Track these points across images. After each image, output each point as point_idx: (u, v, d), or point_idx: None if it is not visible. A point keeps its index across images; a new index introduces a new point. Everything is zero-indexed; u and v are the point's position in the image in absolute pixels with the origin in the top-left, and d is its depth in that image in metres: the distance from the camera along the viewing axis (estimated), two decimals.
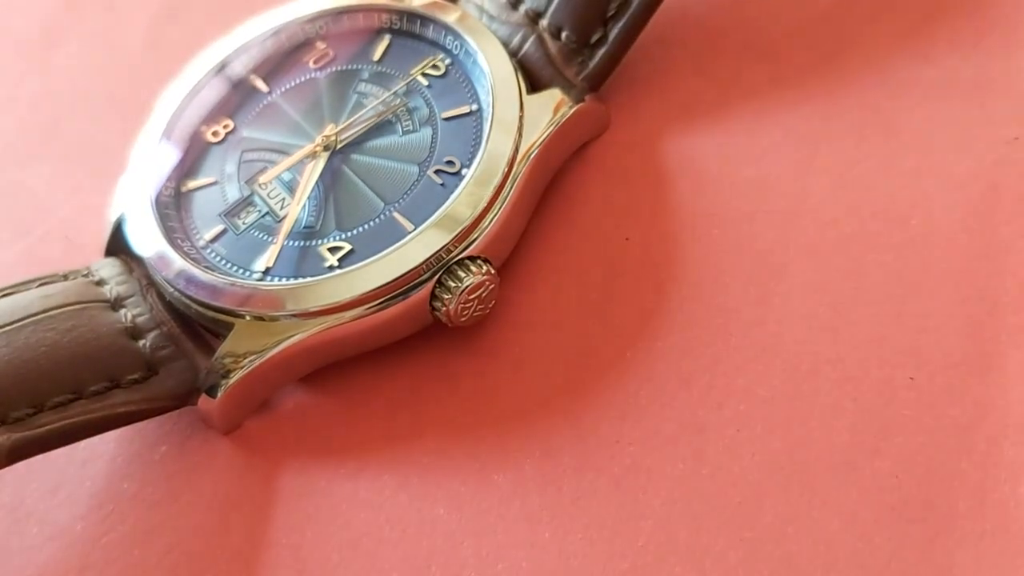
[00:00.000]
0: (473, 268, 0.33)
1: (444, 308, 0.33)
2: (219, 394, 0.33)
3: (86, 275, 0.36)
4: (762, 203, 0.35)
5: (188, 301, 0.34)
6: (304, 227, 0.35)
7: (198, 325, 0.35)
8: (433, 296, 0.33)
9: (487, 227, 0.33)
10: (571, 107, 0.36)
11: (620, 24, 0.37)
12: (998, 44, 0.36)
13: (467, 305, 0.33)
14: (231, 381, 0.33)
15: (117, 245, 0.37)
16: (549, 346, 0.34)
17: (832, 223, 0.34)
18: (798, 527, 0.29)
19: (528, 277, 0.35)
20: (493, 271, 0.33)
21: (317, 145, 0.36)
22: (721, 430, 0.31)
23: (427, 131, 0.36)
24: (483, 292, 0.33)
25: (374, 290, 0.32)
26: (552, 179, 0.36)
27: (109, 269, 0.36)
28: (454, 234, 0.33)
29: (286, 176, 0.36)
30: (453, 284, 0.33)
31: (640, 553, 0.30)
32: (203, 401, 0.34)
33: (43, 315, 0.34)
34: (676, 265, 0.34)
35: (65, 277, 0.36)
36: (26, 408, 0.32)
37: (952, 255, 0.32)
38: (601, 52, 0.37)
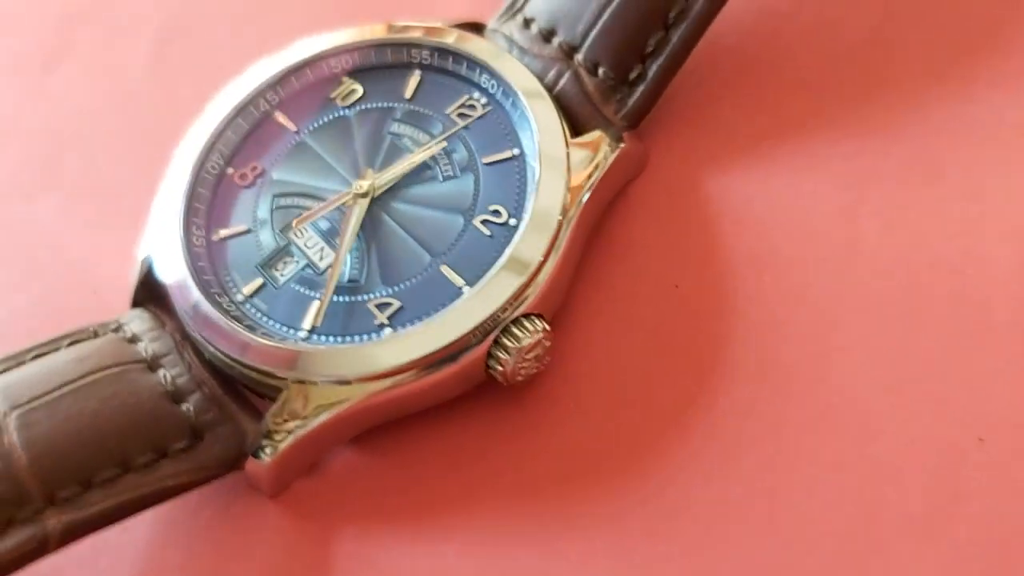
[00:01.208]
0: (529, 326, 0.32)
1: (501, 369, 0.32)
2: (269, 459, 0.32)
3: (116, 330, 0.35)
4: (811, 249, 0.34)
5: (231, 362, 0.33)
6: (348, 281, 0.34)
7: (240, 384, 0.34)
8: (489, 356, 0.32)
9: (541, 282, 0.33)
10: (615, 149, 0.35)
11: (659, 61, 0.36)
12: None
13: (524, 364, 0.32)
14: (281, 446, 0.32)
15: (145, 295, 0.36)
16: (606, 400, 0.33)
17: (885, 274, 0.33)
18: None
19: (578, 327, 0.34)
20: (548, 327, 0.33)
21: (355, 192, 0.35)
22: (791, 495, 0.31)
23: (469, 177, 0.35)
24: (540, 351, 0.32)
25: (430, 354, 0.32)
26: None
27: (140, 323, 0.35)
28: (511, 293, 0.32)
29: (322, 224, 0.35)
30: (511, 344, 0.32)
31: None
32: (251, 465, 0.33)
33: (81, 382, 0.32)
34: (729, 315, 0.34)
35: (95, 334, 0.35)
36: (74, 486, 0.31)
37: (1012, 308, 0.32)
38: (640, 89, 0.36)
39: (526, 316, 0.32)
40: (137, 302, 0.36)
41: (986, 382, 0.31)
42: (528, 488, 0.33)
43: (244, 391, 0.34)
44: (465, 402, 0.34)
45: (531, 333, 0.32)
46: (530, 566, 0.31)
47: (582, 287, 0.35)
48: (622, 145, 0.35)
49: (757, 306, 0.34)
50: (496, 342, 0.32)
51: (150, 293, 0.36)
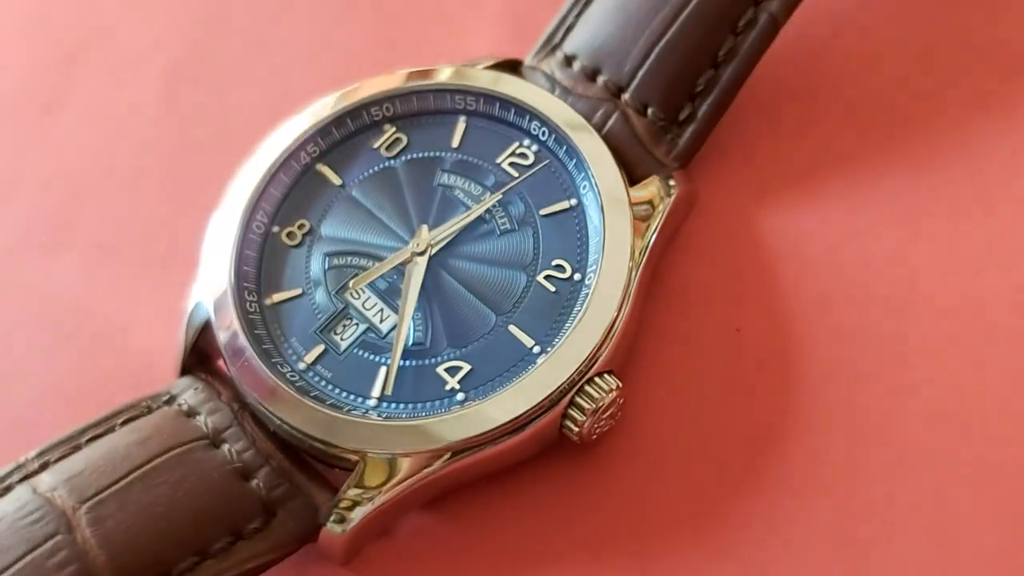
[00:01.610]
0: (603, 385, 0.32)
1: (577, 430, 0.32)
2: (346, 532, 0.32)
3: (168, 401, 0.34)
4: (870, 288, 0.35)
5: (301, 436, 0.32)
6: (413, 344, 0.33)
7: (306, 454, 0.33)
8: (564, 417, 0.32)
9: (613, 337, 0.32)
10: (671, 192, 0.35)
11: (709, 100, 0.36)
12: None
13: (600, 423, 0.32)
14: (358, 518, 0.32)
15: (193, 361, 0.35)
16: (676, 452, 0.33)
17: (947, 312, 0.34)
18: None
19: (643, 378, 0.34)
20: (620, 384, 0.32)
21: (412, 251, 0.34)
22: (874, 541, 0.31)
23: (527, 231, 0.34)
24: (614, 408, 0.32)
25: (507, 423, 0.31)
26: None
27: (194, 395, 0.34)
28: (587, 354, 0.32)
29: (379, 283, 0.34)
30: (587, 406, 0.32)
31: None
32: (326, 536, 0.32)
33: (147, 467, 0.31)
34: (794, 358, 0.34)
35: (149, 408, 0.34)
36: None
37: None
38: (691, 129, 0.36)
39: (599, 374, 0.32)
40: (185, 369, 0.35)
41: None
42: (603, 549, 0.33)
43: (310, 460, 0.33)
44: (533, 459, 0.34)
45: (606, 392, 0.32)
46: None
47: (643, 335, 0.35)
48: (677, 188, 0.35)
49: (821, 348, 0.34)
50: (571, 403, 0.32)
51: (198, 358, 0.35)
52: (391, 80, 0.37)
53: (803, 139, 0.37)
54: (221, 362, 0.35)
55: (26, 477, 0.32)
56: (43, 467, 0.32)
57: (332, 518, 0.32)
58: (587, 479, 0.33)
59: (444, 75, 0.36)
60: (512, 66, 0.38)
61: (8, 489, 0.31)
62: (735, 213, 0.37)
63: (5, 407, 0.38)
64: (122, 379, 0.37)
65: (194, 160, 0.42)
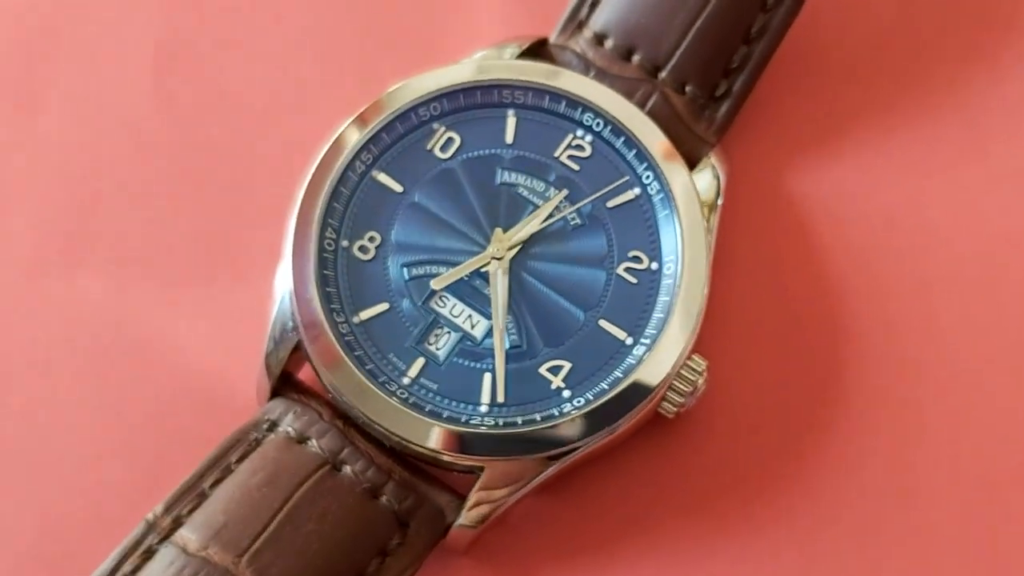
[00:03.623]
0: (695, 367, 0.35)
1: (675, 410, 0.35)
2: (475, 530, 0.34)
3: (270, 428, 0.34)
4: (893, 238, 0.38)
5: (422, 450, 0.34)
6: (511, 348, 0.35)
7: (422, 462, 0.35)
8: (664, 400, 0.35)
9: (700, 322, 0.35)
10: (723, 172, 0.37)
11: (743, 76, 0.38)
12: None
13: (693, 402, 0.35)
14: (485, 519, 0.34)
15: (280, 383, 0.35)
16: (747, 416, 0.37)
17: (963, 257, 0.38)
18: None
19: (713, 352, 0.37)
20: (707, 363, 0.35)
21: (492, 255, 0.35)
22: (925, 497, 0.36)
23: (597, 224, 0.36)
24: (704, 387, 0.35)
25: (620, 419, 0.34)
26: None
27: (295, 418, 0.34)
28: (684, 344, 0.34)
29: (461, 289, 0.35)
30: (685, 388, 0.34)
31: None
32: (454, 535, 0.34)
33: (289, 507, 0.32)
34: (838, 314, 0.37)
35: (257, 441, 0.34)
36: None
37: None
38: (727, 105, 0.38)
39: (690, 357, 0.35)
40: (274, 392, 0.35)
41: None
42: (693, 507, 0.36)
43: (425, 467, 0.35)
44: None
45: (699, 373, 0.35)
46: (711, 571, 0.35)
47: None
48: (723, 165, 0.37)
49: (862, 301, 0.38)
50: (671, 388, 0.35)
51: (283, 379, 0.35)
52: (433, 78, 0.36)
53: (812, 102, 0.40)
54: (301, 375, 0.36)
55: (166, 536, 0.32)
56: (176, 522, 0.32)
57: (461, 520, 0.34)
58: (675, 449, 0.36)
59: (487, 69, 0.37)
60: (540, 44, 0.38)
61: (151, 552, 0.32)
62: (764, 178, 0.39)
63: (72, 443, 0.37)
64: (191, 403, 0.37)
65: (200, 161, 0.40)
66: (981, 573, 0.36)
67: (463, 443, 0.33)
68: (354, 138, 0.36)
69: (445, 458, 0.34)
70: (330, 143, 0.36)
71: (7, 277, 0.39)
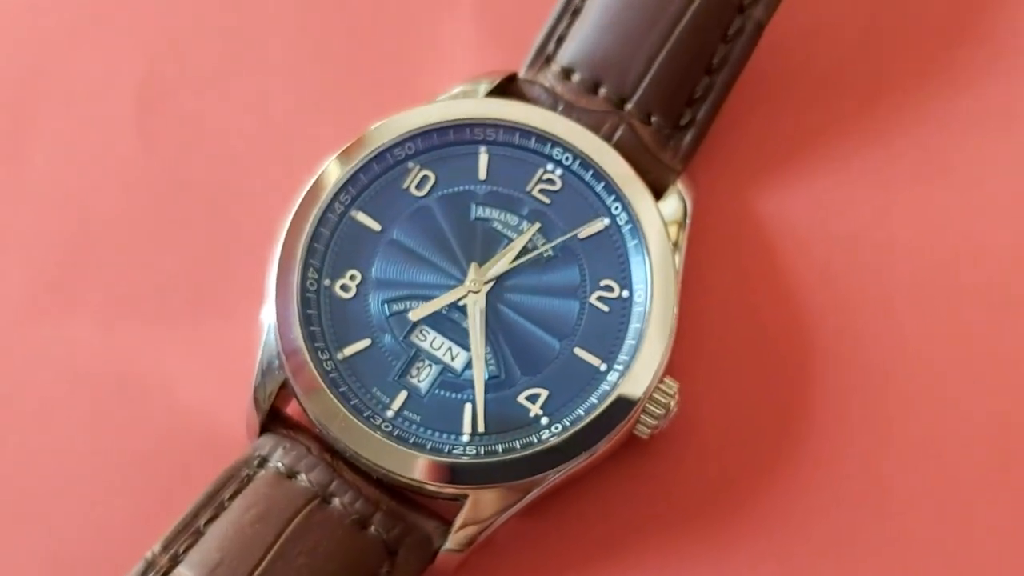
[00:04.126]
0: (667, 390, 0.36)
1: (649, 431, 0.36)
2: (462, 555, 0.35)
3: (260, 464, 0.36)
4: (859, 254, 0.40)
5: (407, 481, 0.35)
6: (489, 378, 0.36)
7: (408, 491, 0.36)
8: (638, 423, 0.36)
9: (671, 345, 0.36)
10: (689, 198, 0.38)
11: (706, 105, 0.39)
12: (1014, 68, 0.41)
13: (667, 424, 0.37)
14: (472, 543, 0.35)
15: (268, 419, 0.36)
16: (719, 434, 0.38)
17: (925, 268, 0.39)
18: None
19: (682, 372, 0.38)
20: (678, 385, 0.36)
21: (469, 289, 0.37)
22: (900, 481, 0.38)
23: (569, 255, 0.37)
24: (676, 409, 0.37)
25: (597, 444, 0.35)
26: None
27: (285, 454, 0.36)
28: (656, 367, 0.35)
29: (440, 323, 0.37)
30: (658, 411, 0.36)
31: None
32: (443, 560, 0.36)
33: (282, 541, 0.34)
34: (806, 329, 0.39)
35: (249, 478, 0.35)
36: None
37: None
38: (691, 134, 0.39)
39: (661, 380, 0.36)
40: (262, 428, 0.37)
41: None
42: (672, 523, 0.37)
43: (411, 495, 0.36)
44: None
45: (671, 395, 0.36)
46: None
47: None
48: (690, 191, 0.38)
49: (829, 316, 0.39)
50: (645, 411, 0.36)
51: (271, 416, 0.37)
52: (407, 119, 0.38)
53: (776, 121, 0.41)
54: (289, 411, 0.37)
55: (165, 574, 0.33)
56: (174, 560, 0.34)
57: (448, 545, 0.35)
58: (650, 469, 0.38)
59: (459, 108, 0.38)
60: (509, 81, 0.39)
61: None
62: (730, 201, 0.41)
63: (69, 484, 0.38)
64: (184, 441, 0.38)
65: (184, 201, 0.41)
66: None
67: (447, 473, 0.35)
68: (332, 179, 0.37)
69: (430, 488, 0.35)
70: (309, 185, 0.37)
71: None
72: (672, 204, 0.38)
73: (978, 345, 0.39)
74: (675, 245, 0.37)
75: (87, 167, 0.42)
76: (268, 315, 0.36)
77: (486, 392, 0.36)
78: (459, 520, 0.35)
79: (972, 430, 0.38)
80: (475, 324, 0.36)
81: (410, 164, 0.38)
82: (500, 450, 0.35)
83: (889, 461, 0.38)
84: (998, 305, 0.39)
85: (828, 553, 0.37)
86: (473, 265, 0.37)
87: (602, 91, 0.39)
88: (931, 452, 0.38)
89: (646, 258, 0.37)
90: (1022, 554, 0.37)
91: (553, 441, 0.35)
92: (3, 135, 0.42)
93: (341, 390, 0.36)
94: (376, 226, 0.37)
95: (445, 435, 0.36)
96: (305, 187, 0.37)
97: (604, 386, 0.36)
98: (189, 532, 0.34)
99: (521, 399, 0.36)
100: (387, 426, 0.36)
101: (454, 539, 0.35)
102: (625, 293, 0.37)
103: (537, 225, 0.37)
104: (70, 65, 0.42)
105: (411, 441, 0.35)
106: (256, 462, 0.36)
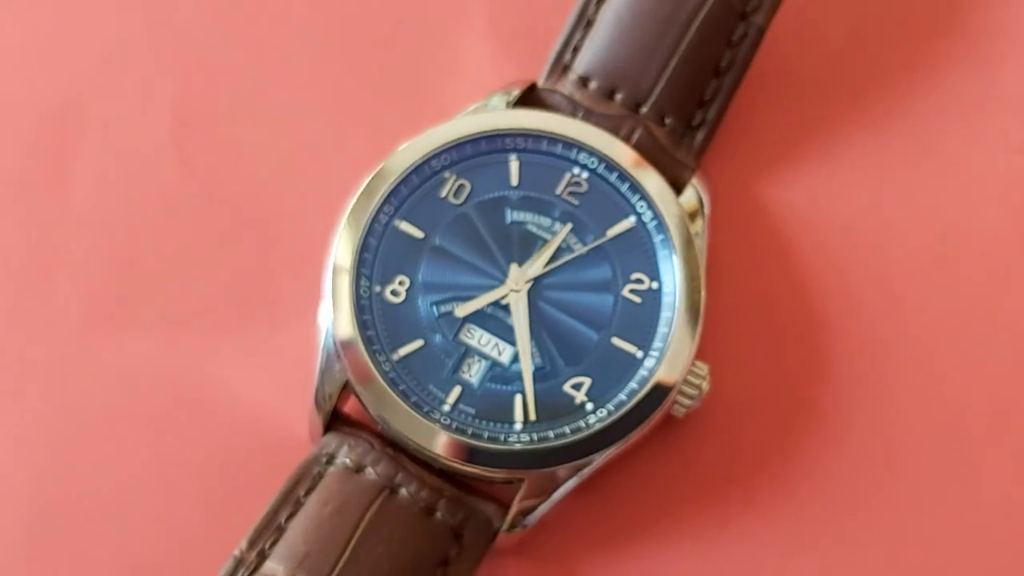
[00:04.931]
0: (699, 372, 0.39)
1: (685, 411, 0.39)
2: (521, 534, 0.38)
3: (328, 461, 0.38)
4: (856, 237, 0.43)
5: (469, 469, 0.38)
6: (536, 370, 0.39)
7: (468, 478, 0.39)
8: (674, 404, 0.39)
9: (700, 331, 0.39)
10: (706, 192, 0.41)
11: (716, 105, 0.42)
12: (991, 56, 0.45)
13: (701, 403, 0.40)
14: (529, 523, 0.38)
15: (337, 419, 0.39)
16: (743, 412, 0.41)
17: (920, 250, 0.43)
18: None
19: (708, 354, 0.41)
20: (708, 367, 0.40)
21: (511, 288, 0.39)
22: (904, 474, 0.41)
23: (601, 253, 0.40)
24: (708, 389, 0.40)
25: (640, 427, 0.38)
26: None
27: (350, 450, 0.38)
28: (688, 353, 0.39)
29: (486, 321, 0.39)
30: (693, 392, 0.39)
31: None
32: (503, 540, 0.39)
33: (359, 533, 0.36)
34: (814, 310, 0.42)
35: (320, 475, 0.38)
36: None
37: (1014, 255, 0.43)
38: (703, 133, 0.42)
39: (694, 364, 0.39)
40: (327, 427, 0.39)
41: None
42: (704, 493, 0.41)
43: (471, 481, 0.39)
44: None
45: (703, 378, 0.39)
46: (727, 554, 0.40)
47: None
48: (706, 185, 0.41)
49: (834, 298, 0.42)
50: (681, 392, 0.39)
51: (334, 415, 0.39)
52: (441, 132, 0.40)
53: (778, 120, 0.44)
54: (348, 409, 0.40)
55: (255, 570, 0.36)
56: (261, 556, 0.36)
57: (508, 526, 0.38)
58: (685, 445, 0.41)
59: (489, 119, 0.40)
60: (530, 91, 0.42)
61: None
62: (740, 192, 0.44)
63: (147, 496, 0.40)
64: (250, 445, 0.41)
65: (225, 219, 0.43)
66: (957, 531, 0.41)
67: (504, 460, 0.38)
68: (376, 192, 0.40)
69: (489, 475, 0.38)
70: (355, 198, 0.40)
71: (60, 347, 0.42)
72: (690, 198, 0.41)
73: (970, 315, 0.43)
74: (696, 235, 0.40)
75: (130, 192, 0.44)
76: (325, 320, 0.39)
77: (534, 383, 0.39)
78: (516, 503, 0.38)
79: (968, 394, 0.42)
80: (519, 320, 0.39)
81: (446, 174, 0.40)
82: (552, 436, 0.38)
83: (895, 424, 0.42)
84: (987, 277, 0.43)
85: (842, 511, 0.41)
86: (513, 266, 0.40)
87: (618, 97, 0.42)
88: (931, 417, 0.42)
89: (672, 250, 0.40)
90: (1020, 505, 0.41)
91: (599, 425, 0.38)
92: (47, 164, 0.44)
93: (401, 388, 0.38)
94: (419, 234, 0.40)
95: (499, 424, 0.39)
96: (351, 201, 0.40)
97: (643, 372, 0.39)
98: (272, 529, 0.37)
99: (567, 388, 0.39)
100: (445, 419, 0.38)
101: (512, 520, 0.38)
102: (655, 284, 0.40)
103: (569, 226, 0.40)
104: (106, 94, 0.44)
105: (469, 432, 0.38)
106: (325, 459, 0.38)
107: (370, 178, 0.40)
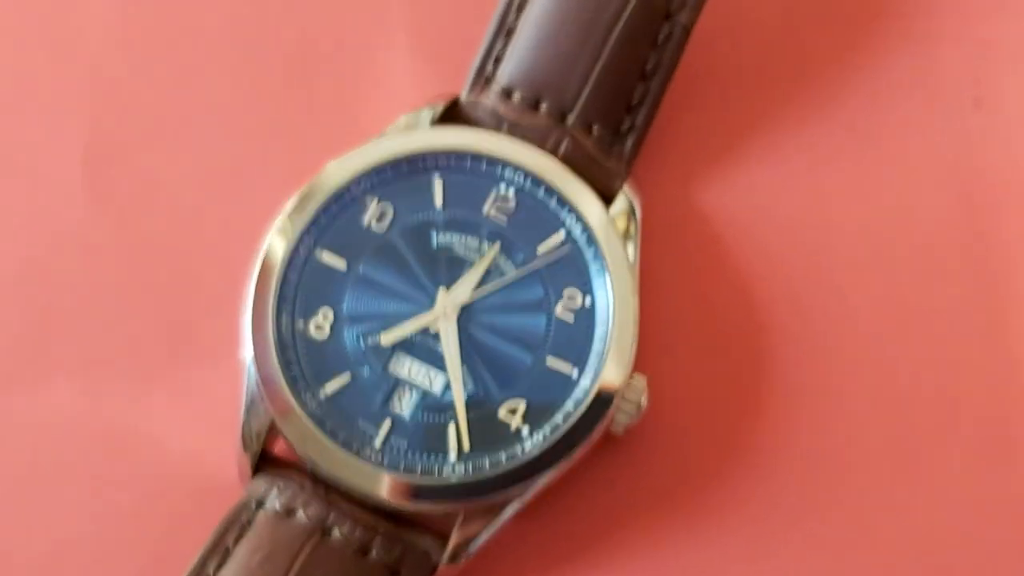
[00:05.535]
0: (637, 386, 0.38)
1: (624, 427, 0.38)
2: (462, 564, 0.37)
3: (257, 507, 0.37)
4: (797, 233, 0.42)
5: (402, 506, 0.36)
6: (469, 397, 0.38)
7: (403, 513, 0.37)
8: (612, 421, 0.38)
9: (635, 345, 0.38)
10: (637, 202, 0.40)
11: (644, 110, 0.40)
12: (927, 34, 0.43)
13: (640, 419, 0.38)
14: (469, 555, 0.37)
15: (266, 461, 0.38)
16: (681, 427, 0.40)
17: (859, 238, 0.42)
18: None
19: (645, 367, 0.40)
20: (646, 380, 0.38)
21: (438, 313, 0.38)
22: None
23: (532, 272, 0.39)
24: (646, 403, 0.38)
25: (577, 449, 0.37)
26: None
27: (280, 493, 0.37)
28: (625, 368, 0.37)
29: (414, 350, 0.38)
30: (632, 409, 0.38)
31: None
32: (444, 572, 0.37)
33: None
34: (756, 310, 0.41)
35: (249, 521, 0.37)
36: None
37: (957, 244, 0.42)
38: (632, 139, 0.41)
39: (630, 379, 0.38)
40: (255, 469, 0.38)
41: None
42: (650, 507, 0.40)
43: (406, 516, 0.38)
44: None
45: (641, 392, 0.38)
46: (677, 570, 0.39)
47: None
48: (637, 194, 0.40)
49: (778, 297, 0.41)
50: (619, 408, 0.38)
51: (263, 456, 0.38)
52: (360, 156, 0.39)
53: (710, 120, 0.43)
54: (277, 450, 0.38)
55: None
56: None
57: (448, 558, 0.37)
58: (625, 461, 0.40)
59: (410, 140, 0.39)
60: (453, 105, 0.41)
61: None
62: (674, 198, 0.42)
63: (73, 548, 0.39)
64: (179, 491, 0.39)
65: (144, 256, 0.42)
66: (909, 529, 0.40)
67: (439, 493, 0.37)
68: (294, 224, 0.38)
69: (425, 510, 0.37)
70: (272, 231, 0.38)
71: None
72: (622, 208, 0.40)
73: (914, 308, 0.42)
74: (629, 246, 0.39)
75: (41, 235, 0.42)
76: (247, 359, 0.37)
77: (467, 411, 0.38)
78: (455, 535, 0.37)
79: (916, 391, 0.41)
80: (449, 346, 0.38)
81: (367, 199, 0.39)
82: (487, 465, 0.37)
83: (840, 426, 0.41)
84: (930, 268, 0.42)
85: (792, 519, 0.40)
86: (441, 290, 0.38)
87: (543, 107, 0.40)
88: (879, 413, 0.41)
89: (603, 263, 0.38)
90: (971, 497, 0.40)
91: (536, 451, 0.37)
92: None
93: (328, 427, 0.37)
94: (342, 264, 0.39)
95: (433, 456, 0.37)
96: (268, 235, 0.38)
97: (578, 392, 0.38)
98: None
99: (502, 413, 0.38)
100: (376, 456, 0.37)
101: (453, 551, 0.37)
102: (588, 300, 0.39)
103: (498, 244, 0.39)
104: (12, 134, 0.43)
105: (402, 467, 0.37)
106: (254, 505, 0.37)
107: (289, 209, 0.38)
